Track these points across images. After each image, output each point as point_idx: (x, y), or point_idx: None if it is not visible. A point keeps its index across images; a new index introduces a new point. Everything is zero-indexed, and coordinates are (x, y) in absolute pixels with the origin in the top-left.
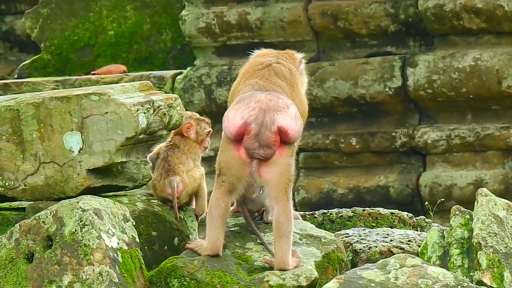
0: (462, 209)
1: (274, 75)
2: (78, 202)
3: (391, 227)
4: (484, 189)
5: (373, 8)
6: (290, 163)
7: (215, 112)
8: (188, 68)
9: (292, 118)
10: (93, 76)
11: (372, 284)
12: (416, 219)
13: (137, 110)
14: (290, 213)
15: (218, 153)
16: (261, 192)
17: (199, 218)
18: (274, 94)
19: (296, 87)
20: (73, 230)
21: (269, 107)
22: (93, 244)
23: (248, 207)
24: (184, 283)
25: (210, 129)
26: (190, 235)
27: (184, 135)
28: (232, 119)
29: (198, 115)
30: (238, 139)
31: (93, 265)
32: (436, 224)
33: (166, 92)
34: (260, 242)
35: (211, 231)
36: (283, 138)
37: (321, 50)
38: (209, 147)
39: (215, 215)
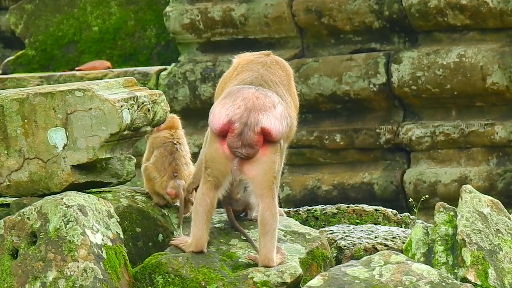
0: (447, 205)
1: (275, 64)
2: (62, 198)
3: (376, 224)
4: (468, 186)
5: (358, 5)
6: (275, 161)
7: (199, 109)
8: (173, 64)
9: (277, 118)
10: (77, 72)
11: (356, 281)
12: (401, 216)
13: (121, 106)
14: (275, 210)
15: (206, 146)
16: (245, 191)
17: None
18: (262, 91)
19: (292, 79)
20: (58, 226)
21: (254, 106)
22: (77, 241)
23: (233, 208)
24: (169, 279)
25: None
26: (175, 232)
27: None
28: (218, 116)
29: None
30: (223, 135)
31: (78, 261)
32: (420, 221)
33: (150, 88)
34: (245, 238)
35: (196, 227)
36: (267, 138)
37: (306, 47)
38: None
39: (200, 211)
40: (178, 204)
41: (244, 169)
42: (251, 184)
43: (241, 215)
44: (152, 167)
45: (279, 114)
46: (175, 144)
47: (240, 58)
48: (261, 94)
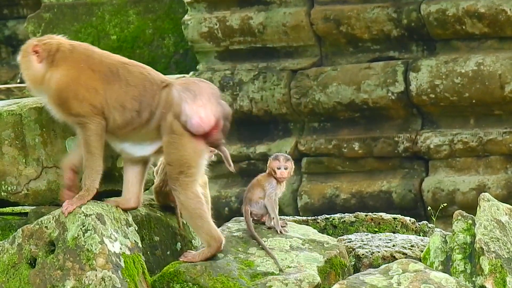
0: (465, 214)
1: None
2: (80, 207)
3: (394, 232)
4: (486, 194)
5: (376, 13)
6: None
7: None
8: (191, 73)
9: None
10: None
11: None
12: (419, 224)
13: None
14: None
15: (175, 153)
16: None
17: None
18: (206, 82)
19: None
20: (76, 235)
21: (220, 97)
22: (95, 249)
23: (252, 210)
24: None
25: None
26: (193, 240)
27: None
28: (207, 119)
29: None
30: (202, 134)
31: (96, 270)
32: (438, 229)
33: None
34: (262, 247)
35: (210, 224)
36: None
37: (324, 55)
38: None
39: (205, 209)
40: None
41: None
42: None
43: (259, 223)
44: (156, 183)
45: None
46: None
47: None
48: (209, 84)
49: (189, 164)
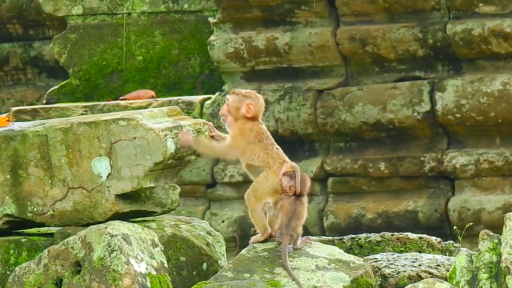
0: (491, 233)
1: None
2: (106, 228)
3: (420, 252)
4: None
5: (402, 33)
6: None
7: None
8: (217, 93)
9: None
10: (121, 102)
11: None
12: (445, 244)
13: (166, 135)
14: None
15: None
16: None
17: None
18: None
19: None
20: (102, 256)
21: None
22: (121, 270)
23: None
24: None
25: None
26: (219, 260)
27: None
28: None
29: None
30: None
31: None
32: (464, 249)
33: (194, 117)
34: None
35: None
36: None
37: (350, 75)
38: None
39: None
40: None
41: None
42: None
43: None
44: None
45: None
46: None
47: None
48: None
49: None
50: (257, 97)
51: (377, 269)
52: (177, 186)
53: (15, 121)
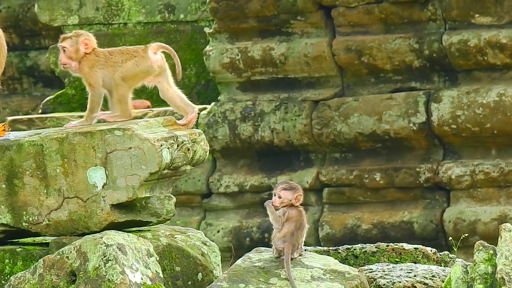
0: (486, 244)
1: None
2: (102, 237)
3: (415, 263)
4: (508, 224)
5: (398, 44)
6: None
7: (239, 148)
8: (212, 104)
9: None
10: None
11: None
12: (440, 255)
13: (161, 145)
14: None
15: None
16: None
17: None
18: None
19: None
20: (97, 265)
21: None
22: (116, 279)
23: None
24: None
25: None
26: (214, 270)
27: None
28: None
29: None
30: None
31: None
32: (460, 260)
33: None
34: (284, 277)
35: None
36: None
37: (346, 86)
38: None
39: None
40: None
41: None
42: None
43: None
44: None
45: None
46: None
47: None
48: None
49: None
50: (84, 32)
51: (372, 279)
52: (172, 196)
53: (10, 131)
